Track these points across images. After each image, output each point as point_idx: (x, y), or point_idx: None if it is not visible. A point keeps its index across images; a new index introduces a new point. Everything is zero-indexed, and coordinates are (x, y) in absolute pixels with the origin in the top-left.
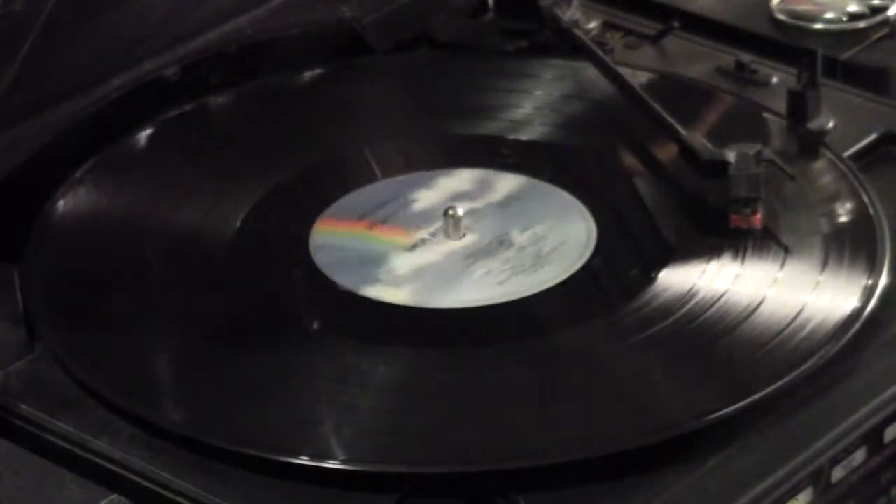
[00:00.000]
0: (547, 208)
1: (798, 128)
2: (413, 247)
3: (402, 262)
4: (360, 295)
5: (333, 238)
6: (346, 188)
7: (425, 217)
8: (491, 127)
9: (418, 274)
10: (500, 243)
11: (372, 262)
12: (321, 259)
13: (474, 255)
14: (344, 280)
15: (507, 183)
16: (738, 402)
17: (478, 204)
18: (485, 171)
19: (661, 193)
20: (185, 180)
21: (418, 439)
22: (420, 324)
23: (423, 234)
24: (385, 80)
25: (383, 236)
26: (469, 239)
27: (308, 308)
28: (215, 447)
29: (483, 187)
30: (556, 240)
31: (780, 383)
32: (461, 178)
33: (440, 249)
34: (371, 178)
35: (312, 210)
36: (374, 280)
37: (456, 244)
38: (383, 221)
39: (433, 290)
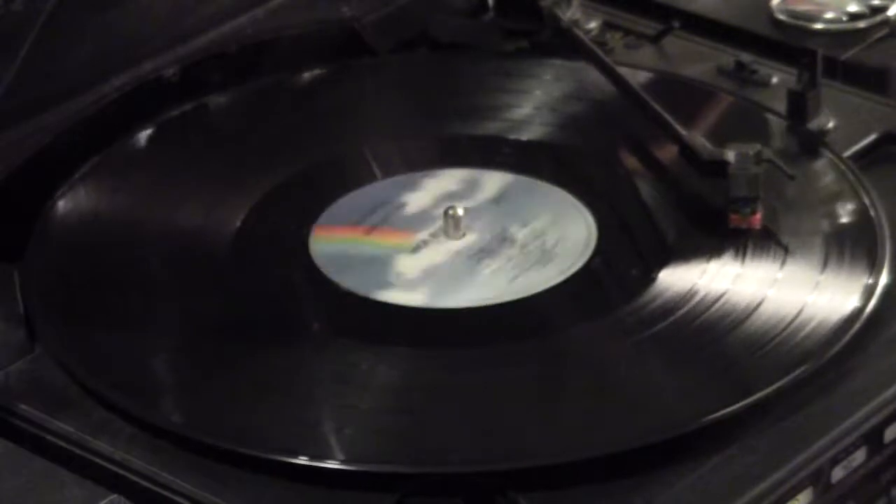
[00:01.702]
0: (540, 203)
1: (798, 128)
2: (416, 249)
3: (410, 265)
4: (371, 298)
5: (332, 246)
6: (345, 188)
7: (421, 218)
8: (490, 127)
9: (429, 275)
10: (503, 240)
11: (378, 267)
12: (323, 260)
13: (480, 254)
14: (355, 286)
15: (495, 181)
16: (738, 402)
17: (470, 203)
18: (469, 170)
19: (661, 193)
20: (185, 180)
21: (418, 439)
22: (420, 324)
23: (423, 235)
24: (385, 80)
25: (383, 240)
26: (470, 238)
27: (308, 308)
28: (215, 447)
29: (471, 186)
30: (556, 233)
31: (780, 383)
32: (448, 179)
33: (444, 250)
34: (371, 179)
35: (312, 210)
36: (387, 285)
37: (458, 244)
38: (379, 225)
39: (448, 291)
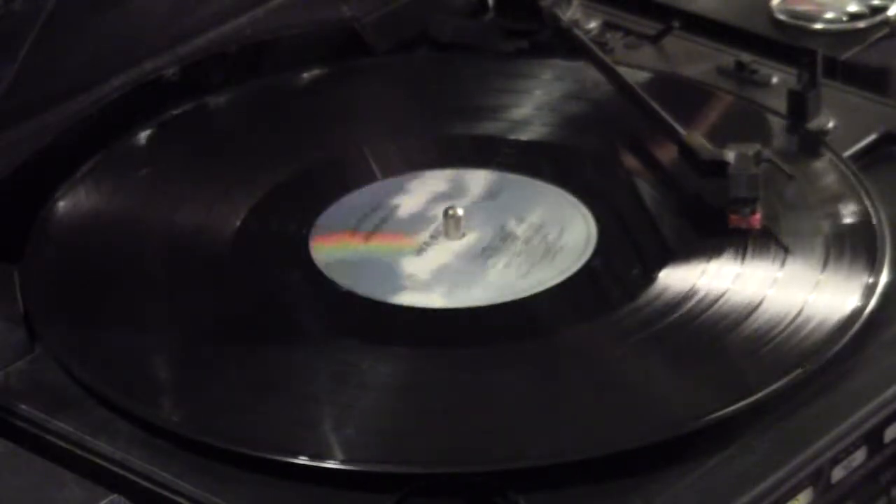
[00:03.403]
0: (540, 203)
1: (798, 128)
2: (420, 251)
3: (419, 267)
4: (377, 300)
5: (334, 254)
6: (345, 188)
7: (419, 220)
8: (491, 127)
9: (440, 275)
10: (504, 237)
11: (387, 272)
12: (328, 267)
13: (486, 252)
14: (369, 292)
15: (494, 181)
16: (738, 402)
17: (469, 203)
18: (469, 170)
19: (661, 193)
20: (185, 180)
21: (418, 439)
22: (420, 323)
23: (424, 236)
24: (385, 80)
25: (385, 244)
26: (472, 237)
27: (308, 308)
28: (215, 447)
29: (471, 186)
30: (557, 231)
31: (780, 383)
32: (434, 179)
33: (449, 249)
34: (371, 179)
35: (312, 210)
36: (400, 288)
37: (460, 243)
38: (377, 230)
39: (462, 290)
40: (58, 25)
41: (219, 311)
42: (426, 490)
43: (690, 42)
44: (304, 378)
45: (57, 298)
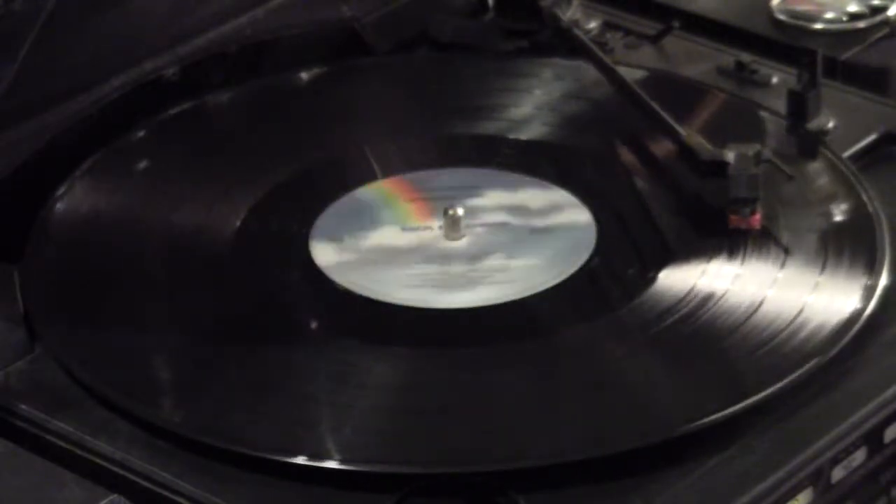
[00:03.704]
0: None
1: (798, 128)
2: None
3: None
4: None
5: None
6: (345, 188)
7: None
8: (491, 127)
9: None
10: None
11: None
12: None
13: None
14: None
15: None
16: (738, 402)
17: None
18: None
19: (661, 193)
20: (185, 180)
21: (418, 439)
22: (420, 324)
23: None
24: (385, 80)
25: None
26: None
27: (308, 307)
28: (215, 447)
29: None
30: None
31: (780, 383)
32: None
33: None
34: (371, 178)
35: (312, 210)
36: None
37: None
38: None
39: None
40: (58, 25)
41: (219, 311)
42: (426, 490)
43: (690, 42)
44: (304, 378)
45: (57, 298)
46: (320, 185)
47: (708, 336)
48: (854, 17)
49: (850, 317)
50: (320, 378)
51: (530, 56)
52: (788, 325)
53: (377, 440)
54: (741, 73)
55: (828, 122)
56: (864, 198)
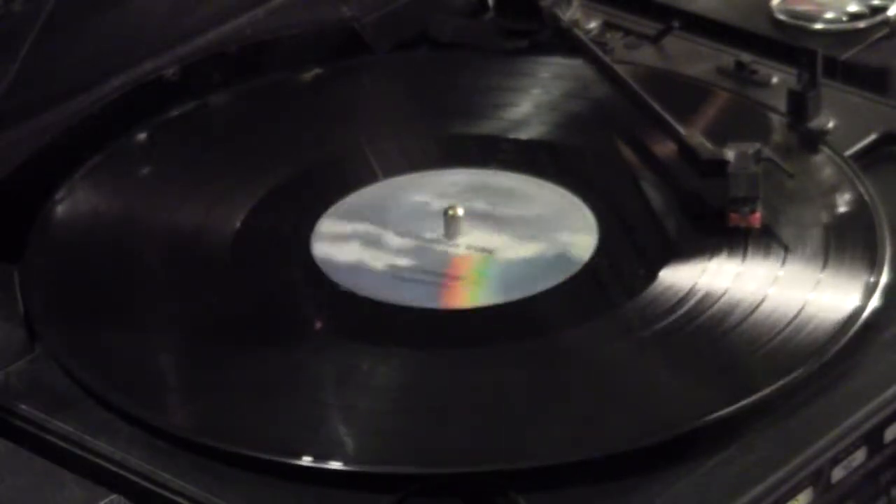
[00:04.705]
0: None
1: (798, 127)
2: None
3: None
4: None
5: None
6: (346, 188)
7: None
8: (490, 127)
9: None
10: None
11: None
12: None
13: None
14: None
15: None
16: (738, 402)
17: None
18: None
19: (662, 192)
20: (185, 180)
21: (418, 439)
22: (420, 324)
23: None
24: (385, 80)
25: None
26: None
27: (308, 308)
28: (215, 447)
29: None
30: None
31: (780, 383)
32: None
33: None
34: (371, 178)
35: (312, 210)
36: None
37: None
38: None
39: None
40: (58, 25)
41: (219, 311)
42: (426, 490)
43: (690, 42)
44: (304, 378)
45: (57, 298)
46: (320, 185)
47: (708, 335)
48: (854, 17)
49: (851, 315)
50: (320, 378)
51: (530, 56)
52: (789, 323)
53: (377, 440)
54: (741, 73)
55: (828, 122)
56: (865, 196)
